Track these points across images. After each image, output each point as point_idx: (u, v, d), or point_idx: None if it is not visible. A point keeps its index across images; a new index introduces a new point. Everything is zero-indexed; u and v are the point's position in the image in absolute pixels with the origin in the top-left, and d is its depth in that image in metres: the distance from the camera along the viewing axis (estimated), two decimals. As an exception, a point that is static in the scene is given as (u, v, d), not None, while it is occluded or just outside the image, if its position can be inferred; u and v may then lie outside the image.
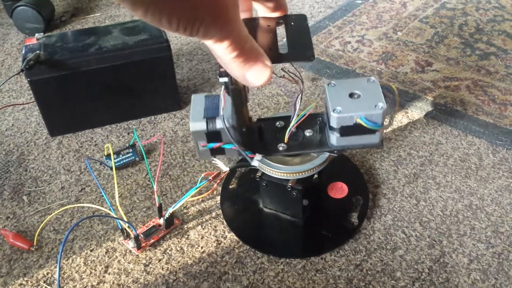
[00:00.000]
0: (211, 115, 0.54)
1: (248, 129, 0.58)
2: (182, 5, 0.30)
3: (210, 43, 0.34)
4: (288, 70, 0.55)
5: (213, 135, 0.54)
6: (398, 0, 1.16)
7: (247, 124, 0.57)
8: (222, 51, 0.34)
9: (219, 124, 0.53)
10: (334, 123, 0.52)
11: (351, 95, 0.53)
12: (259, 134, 0.59)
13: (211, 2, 0.31)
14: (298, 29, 0.47)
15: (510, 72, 0.89)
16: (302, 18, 0.47)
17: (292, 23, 0.47)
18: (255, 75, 0.36)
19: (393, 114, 0.52)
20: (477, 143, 0.75)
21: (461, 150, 0.74)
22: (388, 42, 1.00)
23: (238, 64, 0.35)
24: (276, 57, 0.44)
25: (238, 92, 0.51)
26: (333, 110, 0.51)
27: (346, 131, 0.52)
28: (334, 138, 0.54)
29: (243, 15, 0.43)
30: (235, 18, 0.34)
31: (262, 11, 0.42)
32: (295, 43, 0.44)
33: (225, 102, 0.51)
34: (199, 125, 0.54)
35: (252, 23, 0.47)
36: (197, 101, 0.56)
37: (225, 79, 0.47)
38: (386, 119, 0.53)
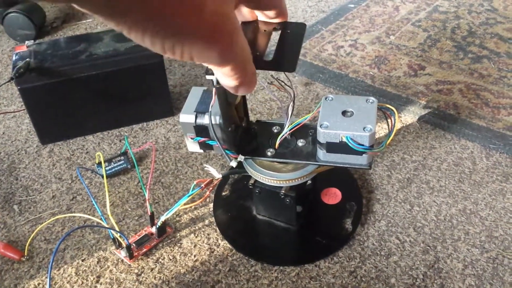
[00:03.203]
0: (201, 109, 0.55)
1: (242, 130, 0.58)
2: (165, 23, 0.27)
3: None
4: (278, 78, 0.55)
5: (200, 129, 0.56)
6: (390, 4, 1.16)
7: (237, 124, 0.57)
8: (220, 75, 0.32)
9: (206, 119, 0.54)
10: (320, 137, 0.52)
11: (344, 113, 0.52)
12: (252, 136, 0.59)
13: (203, 22, 0.28)
14: (292, 38, 0.47)
15: (503, 75, 0.89)
16: (300, 27, 0.47)
17: (289, 31, 0.47)
18: (245, 91, 0.35)
19: (390, 137, 0.51)
20: (470, 147, 0.75)
21: (454, 154, 0.74)
22: (381, 46, 1.00)
23: (235, 84, 0.34)
24: (259, 63, 0.45)
25: (223, 91, 0.51)
26: (321, 125, 0.51)
27: (333, 147, 0.52)
28: (321, 153, 0.54)
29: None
30: (237, 39, 0.30)
31: (262, 17, 0.42)
32: (282, 52, 0.45)
33: (215, 99, 0.52)
34: (188, 118, 0.56)
35: (249, 26, 0.47)
36: (195, 93, 0.58)
37: (212, 77, 0.48)
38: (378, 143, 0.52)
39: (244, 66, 0.33)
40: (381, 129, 0.78)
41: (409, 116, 0.81)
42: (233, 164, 0.56)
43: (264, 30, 0.48)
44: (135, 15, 0.26)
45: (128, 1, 0.25)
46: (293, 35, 0.47)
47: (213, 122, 0.53)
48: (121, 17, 0.26)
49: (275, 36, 0.47)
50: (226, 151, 0.56)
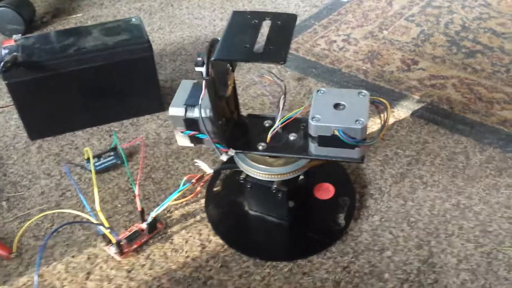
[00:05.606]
0: (191, 102, 0.55)
1: (233, 123, 0.58)
2: None
3: None
4: (270, 71, 0.54)
5: (190, 123, 0.55)
6: (383, -1, 1.16)
7: (227, 117, 0.56)
8: None
9: (196, 112, 0.53)
10: (311, 131, 0.51)
11: (336, 106, 0.52)
12: (244, 130, 0.59)
13: None
14: (282, 29, 0.47)
15: (496, 70, 0.89)
16: (291, 18, 0.47)
17: (279, 22, 0.47)
18: None
19: (383, 130, 0.50)
20: (464, 141, 0.74)
21: (448, 149, 0.73)
22: (374, 40, 1.00)
23: None
24: (249, 55, 0.45)
25: (213, 84, 0.50)
26: (312, 118, 0.50)
27: (325, 141, 0.51)
28: (312, 147, 0.53)
29: None
30: None
31: None
32: (272, 44, 0.44)
33: (205, 92, 0.51)
34: (177, 111, 0.55)
35: (241, 17, 0.47)
36: (184, 86, 0.57)
37: (201, 69, 0.48)
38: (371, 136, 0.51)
39: None
40: (374, 124, 0.77)
41: (402, 111, 0.81)
42: (224, 158, 0.56)
43: (254, 22, 0.48)
44: None
45: None
46: (283, 26, 0.47)
47: (203, 115, 0.52)
48: None
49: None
50: (217, 145, 0.55)
